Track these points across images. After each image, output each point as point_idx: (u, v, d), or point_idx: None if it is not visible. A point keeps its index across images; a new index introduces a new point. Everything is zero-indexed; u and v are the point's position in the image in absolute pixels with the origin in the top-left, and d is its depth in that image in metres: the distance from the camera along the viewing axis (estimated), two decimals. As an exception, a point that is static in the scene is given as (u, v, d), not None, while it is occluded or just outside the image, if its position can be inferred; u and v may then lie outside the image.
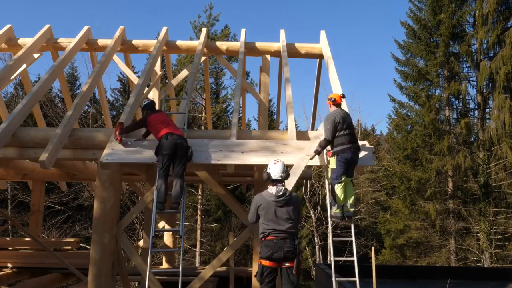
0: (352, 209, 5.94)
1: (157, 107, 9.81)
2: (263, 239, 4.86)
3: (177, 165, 5.91)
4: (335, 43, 69.03)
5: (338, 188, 5.82)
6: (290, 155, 6.23)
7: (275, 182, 5.01)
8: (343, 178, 5.80)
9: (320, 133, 6.40)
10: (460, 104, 22.35)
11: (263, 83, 9.48)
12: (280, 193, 4.93)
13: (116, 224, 6.69)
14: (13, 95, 23.74)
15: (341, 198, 5.82)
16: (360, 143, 6.40)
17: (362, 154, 6.25)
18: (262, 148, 6.32)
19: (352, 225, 6.14)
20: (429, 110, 21.44)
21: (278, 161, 5.15)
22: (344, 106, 7.15)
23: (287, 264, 4.81)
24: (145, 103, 6.70)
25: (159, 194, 5.89)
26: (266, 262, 4.80)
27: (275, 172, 5.04)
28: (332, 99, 6.27)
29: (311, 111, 11.50)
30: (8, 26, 9.32)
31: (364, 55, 71.70)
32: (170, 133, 5.95)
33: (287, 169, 5.14)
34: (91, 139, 6.84)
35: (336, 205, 5.87)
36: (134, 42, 9.72)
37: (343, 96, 6.47)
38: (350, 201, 5.91)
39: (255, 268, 6.68)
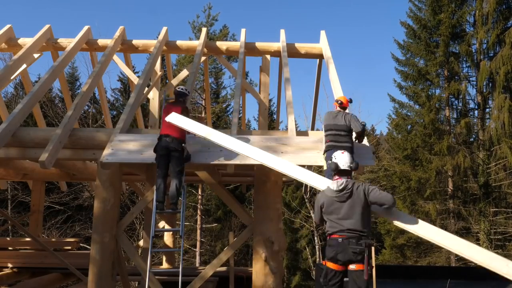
0: None
1: (157, 107, 9.90)
2: (328, 237, 4.57)
3: (172, 166, 5.96)
4: (335, 43, 69.11)
5: None
6: (290, 155, 6.23)
7: (342, 173, 4.69)
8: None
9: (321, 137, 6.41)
10: (460, 104, 22.35)
11: (263, 83, 9.49)
12: (341, 187, 4.56)
13: (116, 224, 6.70)
14: (13, 95, 23.73)
15: None
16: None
17: (362, 154, 6.25)
18: (263, 148, 6.31)
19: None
20: (429, 110, 21.44)
21: (344, 151, 4.88)
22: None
23: (353, 267, 4.40)
24: (179, 89, 6.61)
25: (158, 193, 5.95)
26: (330, 264, 4.48)
27: (343, 161, 4.72)
28: (339, 101, 6.31)
29: (311, 111, 11.51)
30: (8, 26, 9.33)
31: (364, 55, 71.77)
32: (165, 135, 5.98)
33: (355, 160, 4.86)
34: (91, 139, 6.84)
35: None
36: (134, 42, 9.72)
37: (350, 101, 6.46)
38: None
39: (255, 268, 6.68)
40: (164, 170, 5.96)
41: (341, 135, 5.98)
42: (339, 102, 6.30)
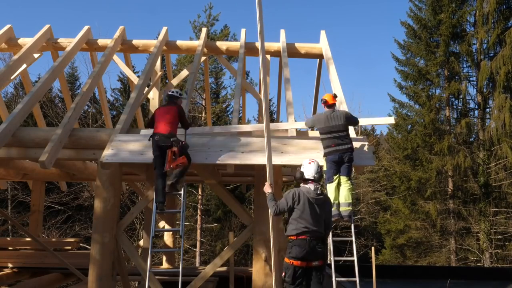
0: (349, 208, 5.89)
1: (157, 107, 9.89)
2: (295, 237, 4.76)
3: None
4: (335, 43, 68.91)
5: (330, 188, 5.88)
6: (291, 155, 6.22)
7: (307, 181, 4.97)
8: (335, 177, 5.86)
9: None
10: (460, 104, 22.34)
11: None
12: (319, 192, 4.90)
13: (116, 224, 6.69)
14: (13, 95, 23.73)
15: (333, 197, 5.85)
16: (358, 142, 6.42)
17: (362, 154, 6.25)
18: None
19: (352, 225, 6.13)
20: (429, 110, 21.43)
21: (312, 161, 5.07)
22: (345, 106, 7.16)
23: (316, 263, 4.76)
24: (170, 93, 6.51)
25: (157, 193, 5.96)
26: (298, 263, 4.71)
27: (309, 171, 4.99)
28: (323, 100, 6.28)
29: (311, 111, 11.50)
30: (8, 26, 9.33)
31: (364, 55, 71.55)
32: (155, 133, 5.98)
33: (321, 170, 5.07)
34: (91, 139, 6.84)
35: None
36: (134, 42, 9.72)
37: (335, 96, 6.41)
38: (344, 199, 5.87)
39: (255, 269, 6.67)
40: (161, 169, 5.96)
41: (342, 136, 5.95)
42: (323, 101, 6.26)
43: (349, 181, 5.92)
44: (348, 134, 6.05)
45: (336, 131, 5.94)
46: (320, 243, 4.80)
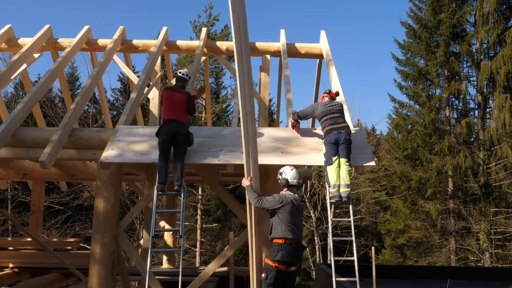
0: (348, 190, 5.92)
1: (157, 107, 9.89)
2: (283, 241, 4.98)
3: (176, 150, 6.00)
4: (335, 43, 68.97)
5: (330, 170, 5.92)
6: (291, 155, 6.21)
7: (290, 187, 5.28)
8: (334, 159, 5.91)
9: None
10: (460, 104, 22.36)
11: (263, 83, 9.49)
12: (300, 198, 5.23)
13: (116, 224, 6.69)
14: (13, 95, 23.74)
15: (335, 179, 5.88)
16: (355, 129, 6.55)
17: (362, 154, 6.24)
18: (269, 148, 6.27)
19: (352, 225, 6.12)
20: (429, 110, 21.44)
21: (293, 168, 5.41)
22: (345, 107, 7.16)
23: (293, 268, 5.02)
24: (180, 75, 6.59)
25: (159, 174, 5.94)
26: (282, 267, 4.93)
27: (292, 177, 5.31)
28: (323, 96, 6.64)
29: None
30: (8, 26, 9.32)
31: (364, 55, 71.66)
32: (171, 119, 6.04)
33: (301, 175, 5.39)
34: (91, 139, 6.83)
35: (332, 185, 5.93)
36: (134, 42, 9.72)
37: (336, 93, 6.64)
38: (343, 181, 5.89)
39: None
40: (167, 153, 5.99)
41: (337, 116, 6.13)
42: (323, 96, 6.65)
43: (348, 163, 5.95)
44: (343, 116, 6.20)
45: (331, 113, 6.14)
46: (301, 249, 5.10)
